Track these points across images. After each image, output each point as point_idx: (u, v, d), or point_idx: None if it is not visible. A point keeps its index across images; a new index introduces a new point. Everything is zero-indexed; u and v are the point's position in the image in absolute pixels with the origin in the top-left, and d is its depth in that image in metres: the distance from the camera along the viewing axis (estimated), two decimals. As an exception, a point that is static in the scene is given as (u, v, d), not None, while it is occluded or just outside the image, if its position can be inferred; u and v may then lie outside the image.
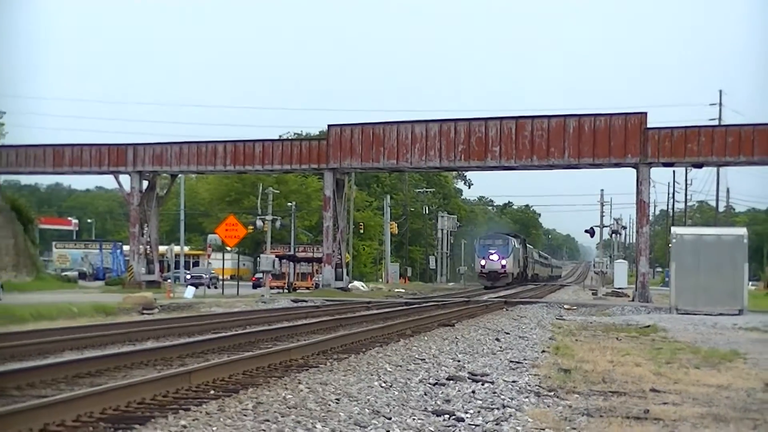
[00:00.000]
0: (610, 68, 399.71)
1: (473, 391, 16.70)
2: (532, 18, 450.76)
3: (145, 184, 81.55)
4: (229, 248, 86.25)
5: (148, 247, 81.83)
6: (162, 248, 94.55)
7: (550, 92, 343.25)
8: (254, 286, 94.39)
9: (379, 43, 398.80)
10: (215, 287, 75.33)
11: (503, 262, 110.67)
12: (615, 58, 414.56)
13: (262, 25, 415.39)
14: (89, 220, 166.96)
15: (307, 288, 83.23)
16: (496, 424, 13.23)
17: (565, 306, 58.83)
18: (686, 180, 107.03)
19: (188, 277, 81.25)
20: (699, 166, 76.94)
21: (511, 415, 14.04)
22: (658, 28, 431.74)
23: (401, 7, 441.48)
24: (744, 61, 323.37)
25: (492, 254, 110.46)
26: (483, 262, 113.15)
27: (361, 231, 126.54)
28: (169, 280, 79.47)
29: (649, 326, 38.63)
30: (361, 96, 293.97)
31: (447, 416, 13.82)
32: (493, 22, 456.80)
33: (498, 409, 14.67)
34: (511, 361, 22.49)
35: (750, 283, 61.36)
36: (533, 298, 71.27)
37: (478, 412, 14.35)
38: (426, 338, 28.51)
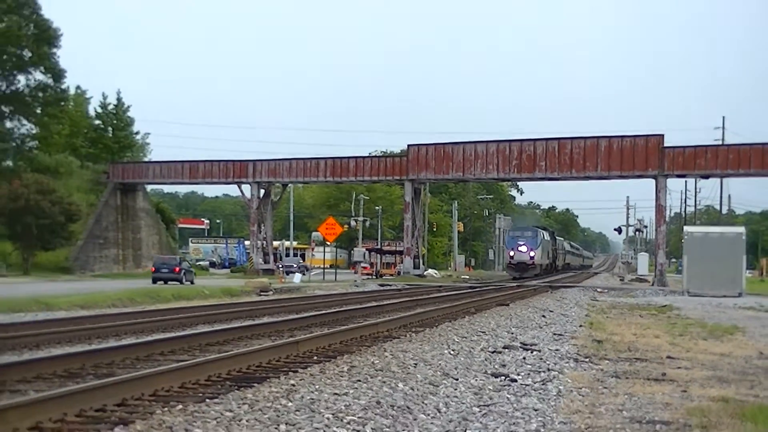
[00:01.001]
0: (633, 95, 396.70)
1: (524, 358, 16.74)
2: (573, 56, 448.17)
3: (262, 192, 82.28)
4: (328, 243, 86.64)
5: (265, 242, 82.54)
6: (275, 243, 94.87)
7: (583, 114, 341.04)
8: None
9: (448, 78, 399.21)
10: (302, 274, 75.54)
11: (531, 253, 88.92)
12: (638, 90, 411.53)
13: (359, 69, 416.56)
14: (218, 221, 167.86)
15: (391, 275, 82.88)
16: (543, 384, 13.28)
17: (598, 289, 58.40)
18: (696, 188, 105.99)
19: (280, 266, 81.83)
20: (706, 177, 76.87)
21: (554, 377, 14.08)
22: (674, 66, 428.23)
23: (465, 53, 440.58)
24: (742, 93, 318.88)
25: (521, 246, 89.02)
26: (512, 254, 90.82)
27: (434, 229, 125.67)
28: (281, 268, 79.75)
29: (665, 306, 38.36)
30: (434, 119, 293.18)
31: (503, 377, 13.85)
32: (539, 60, 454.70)
33: (544, 372, 14.70)
34: (554, 334, 22.46)
35: (747, 271, 60.95)
36: (572, 284, 70.85)
37: (528, 374, 14.40)
38: (486, 315, 28.50)
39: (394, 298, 39.57)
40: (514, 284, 63.99)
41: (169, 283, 56.21)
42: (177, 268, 61.15)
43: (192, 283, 58.32)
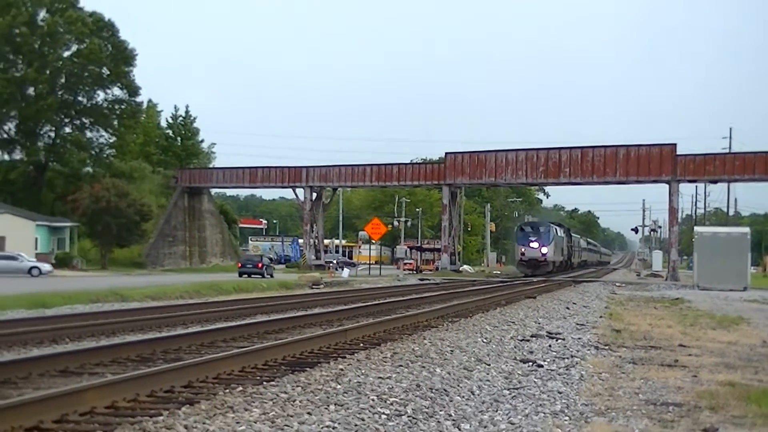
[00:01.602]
0: (651, 106, 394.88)
1: (550, 345, 16.68)
2: (594, 71, 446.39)
3: (314, 195, 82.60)
4: (374, 241, 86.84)
5: (316, 240, 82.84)
6: (326, 241, 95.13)
7: (603, 124, 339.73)
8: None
9: (485, 88, 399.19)
10: (340, 269, 75.96)
11: (543, 250, 77.62)
12: (654, 100, 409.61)
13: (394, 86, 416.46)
14: (274, 221, 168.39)
15: (430, 270, 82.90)
16: (566, 369, 13.24)
17: (617, 284, 58.18)
18: (705, 192, 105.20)
19: (331, 262, 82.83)
20: (715, 182, 77.17)
21: (577, 363, 14.03)
22: (688, 81, 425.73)
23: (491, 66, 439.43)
24: (749, 106, 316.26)
25: (532, 242, 77.71)
26: (523, 250, 79.00)
27: (469, 229, 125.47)
28: (331, 264, 79.99)
29: (677, 299, 38.15)
30: (470, 128, 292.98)
31: (530, 363, 13.80)
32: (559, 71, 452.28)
33: (568, 358, 14.65)
34: (577, 324, 22.37)
35: (752, 267, 60.71)
36: (594, 278, 70.87)
37: (553, 360, 14.34)
38: (515, 307, 28.46)
39: (432, 291, 39.58)
40: (541, 279, 63.69)
41: (253, 276, 58.39)
42: (260, 264, 64.07)
43: (272, 276, 60.27)
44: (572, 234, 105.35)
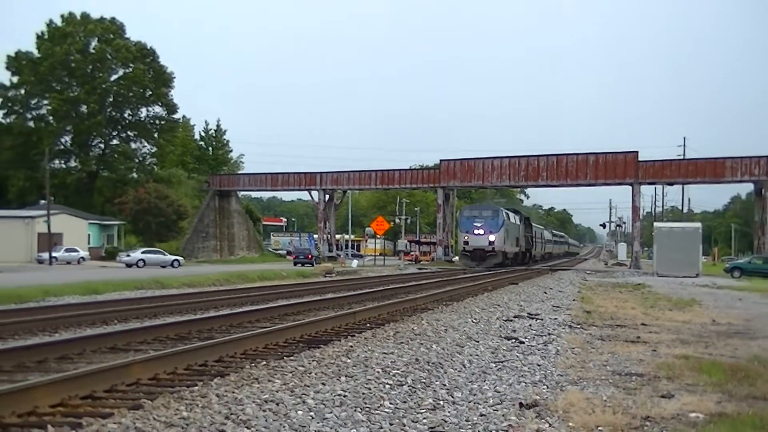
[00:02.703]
0: (617, 119, 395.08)
1: (530, 325, 16.66)
2: (562, 86, 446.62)
3: (327, 196, 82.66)
4: (378, 236, 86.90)
5: (329, 235, 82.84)
6: (337, 236, 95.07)
7: (576, 134, 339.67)
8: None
9: (473, 103, 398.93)
10: (350, 259, 76.68)
11: (491, 237, 60.15)
12: (619, 114, 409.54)
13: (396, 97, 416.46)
14: (293, 219, 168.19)
15: (427, 260, 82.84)
16: (544, 345, 13.23)
17: (587, 272, 58.13)
18: (663, 193, 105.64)
19: (340, 254, 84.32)
20: (671, 184, 77.08)
21: (553, 340, 14.02)
22: (649, 98, 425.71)
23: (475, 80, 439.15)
24: (700, 120, 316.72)
25: (477, 229, 60.71)
26: (466, 238, 61.72)
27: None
28: (341, 256, 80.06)
29: (640, 284, 38.09)
30: (461, 138, 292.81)
31: (513, 340, 13.79)
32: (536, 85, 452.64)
33: (545, 336, 14.64)
34: (553, 306, 22.36)
35: (703, 257, 60.92)
36: (568, 267, 70.78)
37: (533, 337, 14.33)
38: (500, 292, 28.44)
39: (429, 279, 39.57)
40: (522, 267, 63.44)
41: (305, 265, 63.28)
42: (309, 255, 69.54)
43: (315, 265, 63.93)
44: (533, 224, 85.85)
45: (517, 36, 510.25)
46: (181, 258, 65.30)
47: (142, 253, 62.54)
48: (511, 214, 66.75)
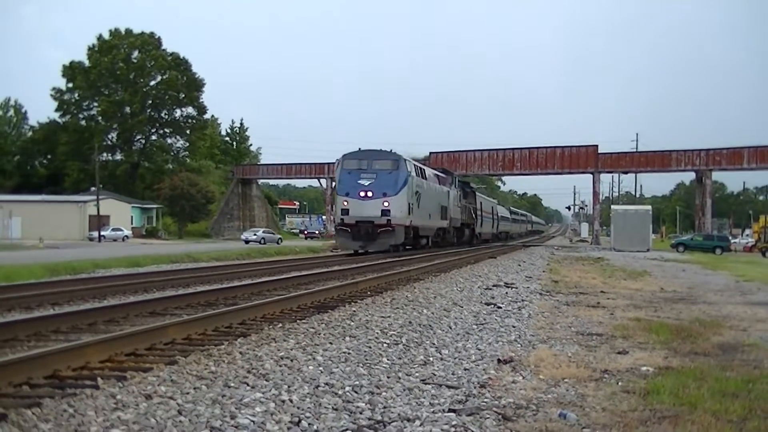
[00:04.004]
0: (579, 115, 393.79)
1: (506, 293, 16.61)
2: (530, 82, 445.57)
3: (333, 184, 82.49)
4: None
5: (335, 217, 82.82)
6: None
7: (543, 128, 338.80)
8: None
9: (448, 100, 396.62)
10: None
11: (385, 203, 31.60)
12: (581, 111, 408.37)
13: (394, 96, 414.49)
14: (305, 203, 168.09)
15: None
16: (519, 310, 13.20)
17: (555, 247, 58.21)
18: (619, 180, 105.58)
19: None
20: (626, 173, 77.70)
21: (526, 305, 13.99)
22: (608, 97, 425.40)
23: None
24: (651, 116, 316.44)
25: (363, 189, 31.90)
26: (345, 203, 32.15)
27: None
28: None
29: (599, 258, 38.15)
30: (448, 132, 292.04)
31: (492, 305, 13.75)
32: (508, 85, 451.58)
33: (519, 302, 14.62)
34: (526, 276, 22.33)
35: (653, 235, 61.20)
36: (538, 244, 70.86)
37: (509, 303, 14.30)
38: (481, 265, 28.37)
39: (420, 254, 39.51)
40: (499, 243, 62.87)
41: (313, 238, 71.67)
42: (317, 232, 75.86)
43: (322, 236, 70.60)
44: (480, 195, 61.23)
45: (492, 37, 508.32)
46: (281, 237, 69.81)
47: (263, 233, 67.09)
48: (428, 171, 38.69)
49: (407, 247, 35.71)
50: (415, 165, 35.87)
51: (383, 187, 31.97)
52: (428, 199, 37.06)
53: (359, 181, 32.15)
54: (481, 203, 57.27)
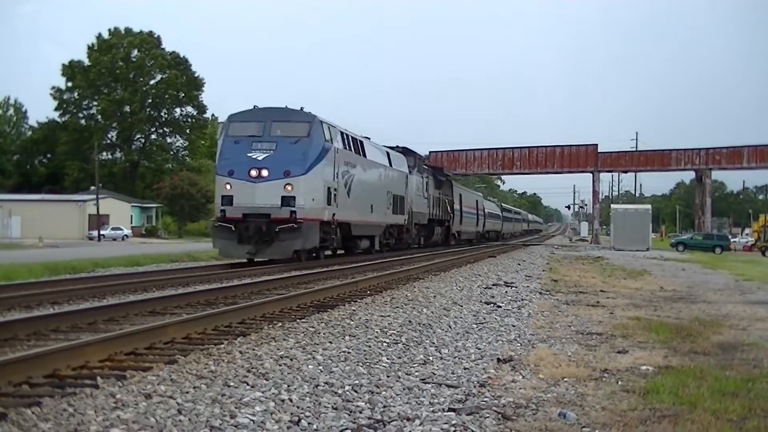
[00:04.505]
0: (579, 114, 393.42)
1: (506, 291, 16.63)
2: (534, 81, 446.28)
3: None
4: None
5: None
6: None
7: (544, 126, 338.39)
8: None
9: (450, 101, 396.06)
10: None
11: (288, 187, 20.92)
12: (581, 110, 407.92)
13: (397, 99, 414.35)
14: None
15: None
16: (518, 309, 13.21)
17: (555, 246, 58.22)
18: (619, 179, 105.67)
19: None
20: (626, 172, 77.69)
21: (526, 304, 14.00)
22: (608, 96, 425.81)
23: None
24: (651, 115, 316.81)
25: (258, 168, 21.07)
26: (228, 188, 21.34)
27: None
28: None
29: (599, 257, 38.15)
30: (448, 132, 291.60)
31: (492, 304, 13.76)
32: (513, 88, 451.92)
33: (519, 301, 14.62)
34: (526, 275, 22.34)
35: (652, 234, 61.34)
36: (538, 243, 70.82)
37: (509, 302, 14.30)
38: (480, 264, 28.36)
39: (420, 253, 39.51)
40: (499, 243, 62.63)
41: None
42: None
43: None
44: (460, 187, 53.02)
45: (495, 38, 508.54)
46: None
47: None
48: (369, 145, 28.77)
49: (333, 252, 27.54)
50: (343, 134, 25.09)
51: (286, 162, 21.50)
52: (369, 184, 28.18)
53: (250, 155, 21.66)
54: (460, 196, 49.28)
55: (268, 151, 21.70)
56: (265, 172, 21.54)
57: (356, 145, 26.92)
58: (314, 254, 24.42)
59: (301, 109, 23.25)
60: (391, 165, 31.68)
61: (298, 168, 21.70)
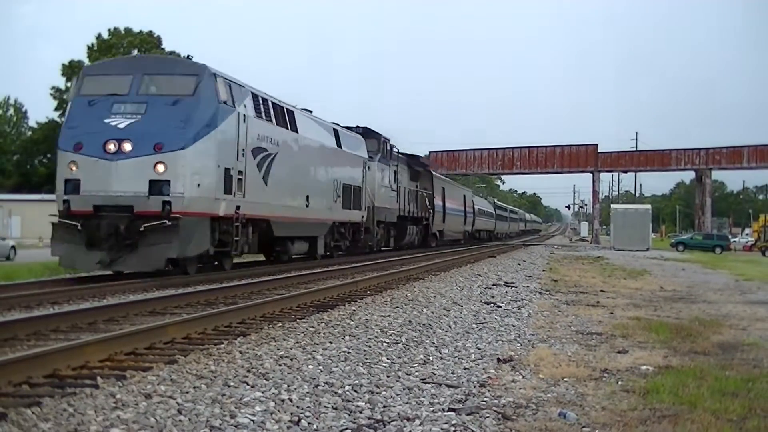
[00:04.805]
0: (579, 114, 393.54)
1: (506, 291, 16.62)
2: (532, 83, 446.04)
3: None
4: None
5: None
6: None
7: (544, 126, 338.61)
8: None
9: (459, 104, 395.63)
10: None
11: (160, 167, 14.27)
12: (581, 110, 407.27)
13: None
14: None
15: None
16: (518, 309, 13.21)
17: (555, 246, 58.23)
18: (619, 179, 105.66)
19: None
20: (625, 172, 77.76)
21: (526, 304, 14.00)
22: (608, 96, 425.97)
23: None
24: (651, 116, 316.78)
25: (117, 141, 14.27)
26: (73, 168, 14.60)
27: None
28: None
29: (599, 257, 38.14)
30: (448, 132, 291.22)
31: (492, 304, 13.76)
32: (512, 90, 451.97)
33: (519, 301, 14.62)
34: (526, 275, 22.34)
35: (652, 234, 61.37)
36: (539, 242, 70.88)
37: (509, 302, 14.30)
38: (480, 264, 28.36)
39: (420, 253, 39.49)
40: (499, 243, 62.60)
41: None
42: None
43: None
44: (442, 179, 46.01)
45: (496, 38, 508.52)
46: None
47: None
48: (299, 114, 21.85)
49: (269, 257, 22.71)
50: (258, 97, 18.67)
51: (159, 132, 15.16)
52: (303, 169, 21.94)
53: (107, 121, 15.28)
54: (443, 190, 42.97)
55: (135, 115, 15.13)
56: (127, 146, 14.86)
57: (281, 115, 20.12)
58: (215, 262, 18.35)
59: (188, 57, 17.01)
60: (340, 146, 25.38)
61: (175, 139, 15.01)
